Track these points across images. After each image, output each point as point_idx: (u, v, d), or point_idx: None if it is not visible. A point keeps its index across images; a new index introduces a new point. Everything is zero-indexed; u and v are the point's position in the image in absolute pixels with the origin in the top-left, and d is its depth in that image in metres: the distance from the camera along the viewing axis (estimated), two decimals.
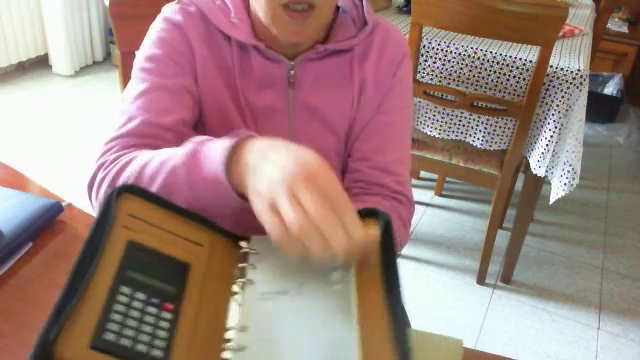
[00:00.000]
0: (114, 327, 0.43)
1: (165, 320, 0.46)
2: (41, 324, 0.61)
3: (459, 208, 2.37)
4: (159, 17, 0.78)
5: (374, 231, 0.53)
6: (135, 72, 0.76)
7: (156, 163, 0.62)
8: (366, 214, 0.57)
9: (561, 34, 1.79)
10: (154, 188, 0.60)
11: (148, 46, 0.76)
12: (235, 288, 0.54)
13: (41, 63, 3.32)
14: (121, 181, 0.64)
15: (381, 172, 0.81)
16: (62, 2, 3.02)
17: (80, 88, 3.13)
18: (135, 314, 0.45)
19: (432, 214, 2.31)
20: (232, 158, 0.56)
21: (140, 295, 0.46)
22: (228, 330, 0.50)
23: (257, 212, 0.51)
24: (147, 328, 0.45)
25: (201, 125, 0.79)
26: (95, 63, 3.46)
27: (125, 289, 0.46)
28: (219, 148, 0.57)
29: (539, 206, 2.38)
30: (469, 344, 1.67)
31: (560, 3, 1.42)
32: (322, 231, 0.48)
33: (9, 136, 2.59)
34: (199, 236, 0.56)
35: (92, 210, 0.71)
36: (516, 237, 1.87)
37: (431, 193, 2.45)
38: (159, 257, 0.51)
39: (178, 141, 0.72)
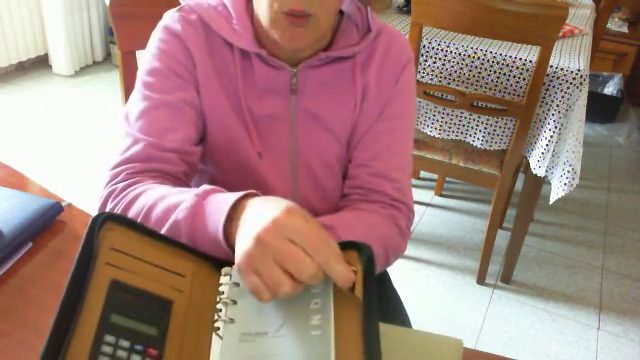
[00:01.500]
0: None
1: None
2: (40, 324, 0.61)
3: (459, 208, 2.37)
4: (159, 26, 0.77)
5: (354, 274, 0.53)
6: (137, 86, 0.76)
7: (161, 209, 0.63)
8: (349, 246, 0.56)
9: (561, 34, 1.79)
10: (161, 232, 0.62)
11: (149, 59, 0.76)
12: (217, 324, 0.53)
13: (41, 63, 3.32)
14: (129, 217, 0.65)
15: (380, 179, 0.81)
16: (62, 2, 3.02)
17: (80, 88, 3.13)
18: None
19: (432, 214, 2.31)
20: (231, 220, 0.56)
21: (124, 343, 0.46)
22: None
23: (239, 272, 0.52)
24: None
25: (205, 136, 0.79)
26: (95, 63, 3.46)
27: (109, 338, 0.46)
28: (219, 210, 0.57)
29: (539, 206, 2.38)
30: (469, 344, 1.67)
31: (560, 3, 1.42)
32: (290, 270, 0.48)
33: (9, 136, 2.59)
34: (181, 265, 0.56)
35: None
36: (516, 237, 1.87)
37: (431, 193, 2.45)
38: (142, 296, 0.51)
39: (182, 161, 0.74)
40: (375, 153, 0.82)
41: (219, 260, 0.59)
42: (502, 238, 2.13)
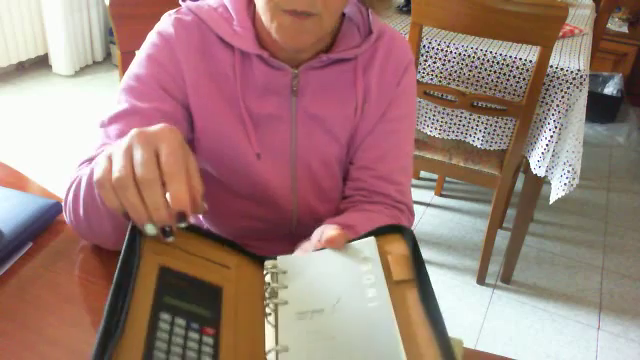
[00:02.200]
0: (161, 355, 0.43)
1: (208, 345, 0.46)
2: (41, 324, 0.61)
3: (459, 208, 2.37)
4: (154, 29, 0.77)
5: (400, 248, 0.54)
6: (121, 85, 0.75)
7: (86, 178, 0.63)
8: (391, 230, 0.57)
9: (561, 34, 1.79)
10: (81, 205, 0.63)
11: (137, 62, 0.76)
12: (268, 310, 0.54)
13: (41, 63, 3.32)
14: (69, 197, 0.67)
15: (383, 181, 0.81)
16: (62, 2, 3.02)
17: (80, 88, 3.13)
18: (178, 340, 0.45)
19: (432, 214, 2.31)
20: None
21: (180, 321, 0.46)
22: (269, 352, 0.50)
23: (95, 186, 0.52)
24: (192, 354, 0.45)
25: (198, 140, 0.79)
26: (95, 63, 3.46)
27: (165, 315, 0.46)
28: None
29: (539, 206, 2.38)
30: (469, 344, 1.67)
31: (560, 3, 1.42)
32: (139, 185, 0.48)
33: (9, 136, 2.59)
34: (225, 258, 0.56)
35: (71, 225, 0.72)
36: (516, 237, 1.87)
37: (431, 193, 2.45)
38: (192, 282, 0.51)
39: None
40: (378, 155, 0.82)
41: (259, 256, 0.60)
42: (502, 238, 2.13)
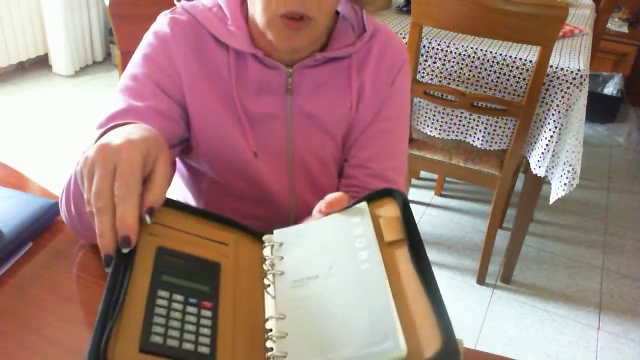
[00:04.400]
0: (159, 329, 0.45)
1: (206, 318, 0.48)
2: (40, 324, 0.61)
3: (459, 208, 2.37)
4: (150, 29, 0.77)
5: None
6: (119, 85, 0.76)
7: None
8: (383, 194, 0.59)
9: (561, 34, 1.79)
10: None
11: (134, 62, 0.76)
12: (266, 281, 0.55)
13: (41, 63, 3.32)
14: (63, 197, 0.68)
15: (378, 180, 0.82)
16: (62, 2, 3.02)
17: (80, 88, 3.13)
18: (177, 315, 0.46)
19: (432, 214, 2.31)
20: None
21: (178, 297, 0.48)
22: (267, 320, 0.52)
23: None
24: (190, 327, 0.46)
25: (194, 137, 0.79)
26: (95, 63, 3.46)
27: (163, 292, 0.47)
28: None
29: (539, 206, 2.38)
30: (469, 344, 1.67)
31: (560, 3, 1.42)
32: (96, 209, 0.48)
33: (9, 136, 2.59)
34: (223, 236, 0.57)
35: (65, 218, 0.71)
36: (516, 237, 1.87)
37: (431, 193, 2.45)
38: (190, 259, 0.52)
39: None
40: (372, 154, 0.82)
41: (258, 232, 0.60)
42: (502, 238, 2.13)
